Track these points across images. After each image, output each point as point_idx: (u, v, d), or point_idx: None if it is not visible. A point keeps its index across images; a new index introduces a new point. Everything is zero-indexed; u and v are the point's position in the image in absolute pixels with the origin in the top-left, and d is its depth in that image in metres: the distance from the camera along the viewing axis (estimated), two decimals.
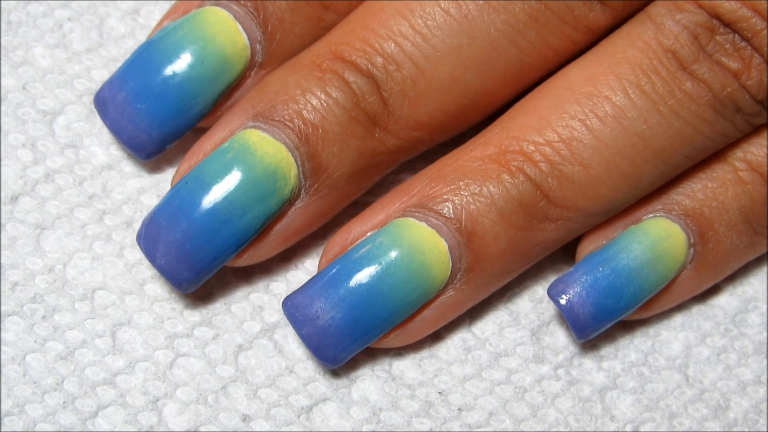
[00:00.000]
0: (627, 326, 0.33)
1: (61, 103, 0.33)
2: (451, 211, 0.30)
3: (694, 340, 0.33)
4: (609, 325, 0.31)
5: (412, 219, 0.30)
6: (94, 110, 0.33)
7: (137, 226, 0.32)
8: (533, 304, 0.33)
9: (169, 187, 0.32)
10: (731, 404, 0.32)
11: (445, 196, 0.30)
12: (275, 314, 0.31)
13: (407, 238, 0.29)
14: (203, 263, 0.29)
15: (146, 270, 0.31)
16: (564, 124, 0.29)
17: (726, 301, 0.33)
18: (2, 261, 0.31)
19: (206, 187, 0.29)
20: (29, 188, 0.32)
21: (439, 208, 0.30)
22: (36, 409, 0.29)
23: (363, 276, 0.29)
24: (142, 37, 0.34)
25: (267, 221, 0.30)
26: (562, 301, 0.30)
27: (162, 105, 0.30)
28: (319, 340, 0.29)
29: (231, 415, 0.30)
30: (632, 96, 0.29)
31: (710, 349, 0.33)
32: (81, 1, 0.34)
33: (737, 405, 0.32)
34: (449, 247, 0.30)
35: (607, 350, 0.32)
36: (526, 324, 0.32)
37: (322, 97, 0.29)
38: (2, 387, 0.29)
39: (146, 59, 0.30)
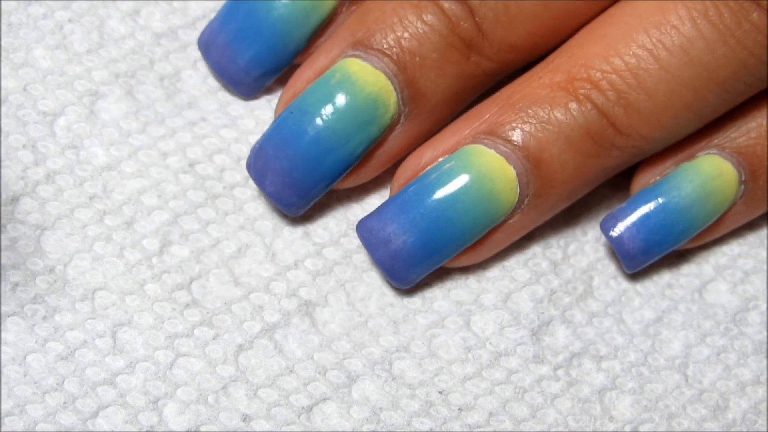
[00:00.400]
0: (627, 325, 0.33)
1: (62, 104, 0.33)
2: (520, 139, 0.30)
3: (694, 339, 0.33)
4: (658, 258, 0.32)
5: (482, 146, 0.31)
6: (95, 111, 0.33)
7: (138, 226, 0.32)
8: (534, 303, 0.33)
9: (170, 189, 0.32)
10: (730, 404, 0.32)
11: (513, 124, 0.30)
12: (275, 314, 0.31)
13: (477, 165, 0.30)
14: (310, 189, 0.31)
15: (146, 270, 0.31)
16: (631, 52, 0.30)
17: (727, 299, 0.33)
18: (3, 262, 0.31)
19: (310, 117, 0.30)
20: (30, 189, 0.32)
21: (508, 135, 0.30)
22: (36, 410, 0.29)
23: (434, 201, 0.30)
24: (142, 38, 0.34)
25: (368, 147, 0.31)
26: (613, 235, 0.32)
27: (258, 44, 0.32)
28: (392, 262, 0.31)
29: (231, 414, 0.30)
30: (700, 26, 0.30)
31: (710, 348, 0.33)
32: (81, 2, 0.34)
33: (736, 405, 0.32)
34: (517, 174, 0.31)
35: (606, 350, 0.32)
36: (527, 324, 0.32)
37: (419, 24, 0.30)
38: (3, 387, 0.29)
39: (241, 2, 0.32)
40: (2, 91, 0.32)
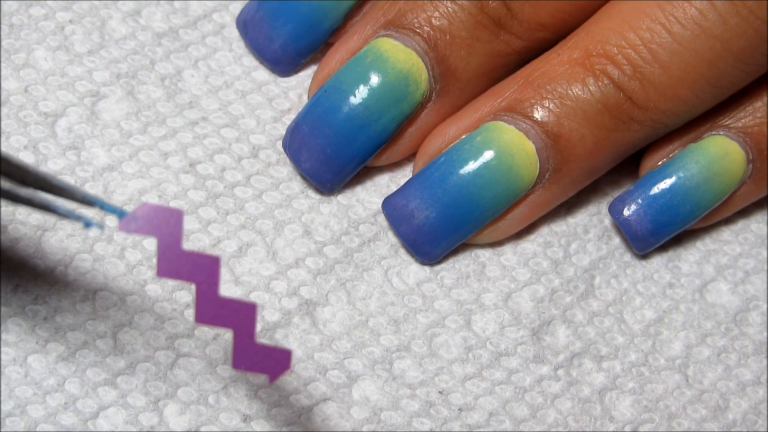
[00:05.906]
0: (628, 325, 0.33)
1: (63, 105, 0.33)
2: (539, 115, 0.31)
3: (695, 339, 0.33)
4: (667, 239, 0.33)
5: (502, 122, 0.31)
6: (96, 112, 0.33)
7: None
8: (534, 303, 0.33)
9: (170, 189, 0.32)
10: (730, 405, 0.32)
11: (533, 100, 0.31)
12: (276, 313, 0.31)
13: (497, 142, 0.31)
14: (344, 165, 0.32)
15: (147, 271, 0.31)
16: (645, 27, 0.30)
17: (728, 299, 0.33)
18: (4, 263, 0.31)
19: (344, 95, 0.31)
20: None
21: (527, 111, 0.31)
22: (37, 410, 0.30)
23: (455, 177, 0.31)
24: (143, 38, 0.34)
25: (401, 124, 0.32)
26: (621, 218, 0.32)
27: (294, 21, 0.33)
28: (415, 237, 0.32)
29: (232, 415, 0.30)
30: None
31: (710, 348, 0.33)
32: (82, 3, 0.34)
33: (736, 406, 0.32)
34: (537, 149, 0.31)
35: (607, 350, 0.32)
36: (527, 323, 0.32)
37: (449, 4, 0.31)
38: (4, 388, 0.30)
39: None
40: (3, 92, 0.33)
